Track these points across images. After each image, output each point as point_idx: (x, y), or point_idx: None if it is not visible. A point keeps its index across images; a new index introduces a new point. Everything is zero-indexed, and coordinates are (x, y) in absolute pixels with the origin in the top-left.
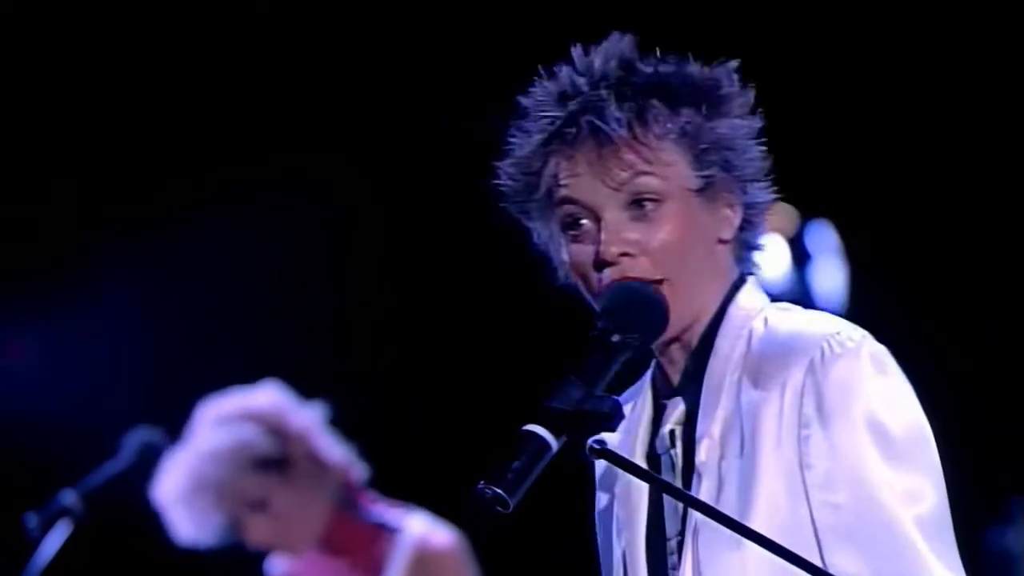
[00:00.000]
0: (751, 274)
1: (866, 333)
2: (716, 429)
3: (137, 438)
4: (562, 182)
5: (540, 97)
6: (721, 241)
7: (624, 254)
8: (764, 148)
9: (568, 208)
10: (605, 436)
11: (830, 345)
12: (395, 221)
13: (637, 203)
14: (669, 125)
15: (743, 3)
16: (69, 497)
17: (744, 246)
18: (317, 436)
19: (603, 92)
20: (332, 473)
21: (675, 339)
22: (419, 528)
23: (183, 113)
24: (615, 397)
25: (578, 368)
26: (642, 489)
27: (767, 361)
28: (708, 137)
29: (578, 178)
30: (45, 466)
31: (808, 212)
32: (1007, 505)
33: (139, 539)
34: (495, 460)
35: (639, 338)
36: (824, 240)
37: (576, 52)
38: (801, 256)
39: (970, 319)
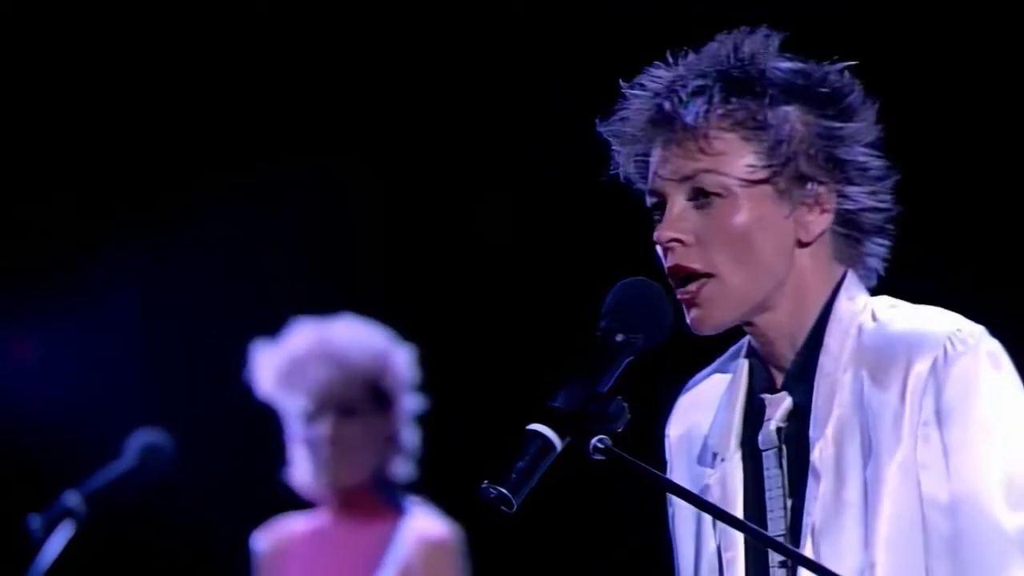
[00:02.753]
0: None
1: (983, 328)
2: (831, 428)
3: (140, 439)
4: (647, 157)
5: (648, 78)
6: (802, 243)
7: (676, 240)
8: (880, 155)
9: (648, 186)
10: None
11: (952, 343)
12: (398, 223)
13: (702, 193)
14: (743, 116)
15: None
16: (72, 498)
17: (843, 249)
18: (405, 393)
19: (692, 78)
20: (393, 439)
21: (777, 336)
22: (421, 517)
23: (184, 113)
24: (619, 397)
25: (582, 368)
26: (737, 481)
27: (886, 358)
28: (788, 133)
29: (655, 163)
30: (48, 467)
31: None
32: None
33: (142, 540)
34: (499, 459)
35: (643, 338)
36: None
37: (717, 38)
38: None
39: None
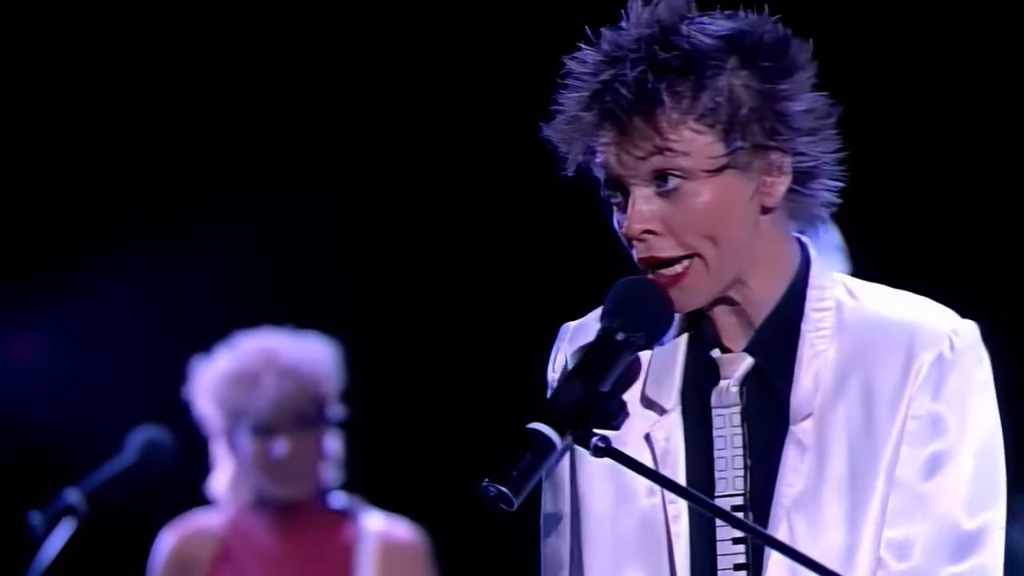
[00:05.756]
0: (807, 235)
1: (975, 325)
2: (818, 399)
3: (141, 436)
4: (597, 150)
5: (581, 61)
6: (765, 209)
7: (648, 231)
8: (819, 96)
9: (604, 176)
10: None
11: (953, 341)
12: (397, 226)
13: (662, 178)
14: (691, 104)
15: None
16: (73, 495)
17: (800, 206)
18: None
19: (628, 68)
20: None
21: (747, 304)
22: (380, 521)
23: (184, 114)
24: (620, 395)
25: (582, 366)
26: (680, 436)
27: (881, 341)
28: (738, 109)
29: (607, 149)
30: (49, 464)
31: None
32: (1011, 503)
33: (143, 537)
34: (500, 458)
35: (644, 336)
36: (827, 239)
37: (629, 6)
38: None
39: (973, 317)
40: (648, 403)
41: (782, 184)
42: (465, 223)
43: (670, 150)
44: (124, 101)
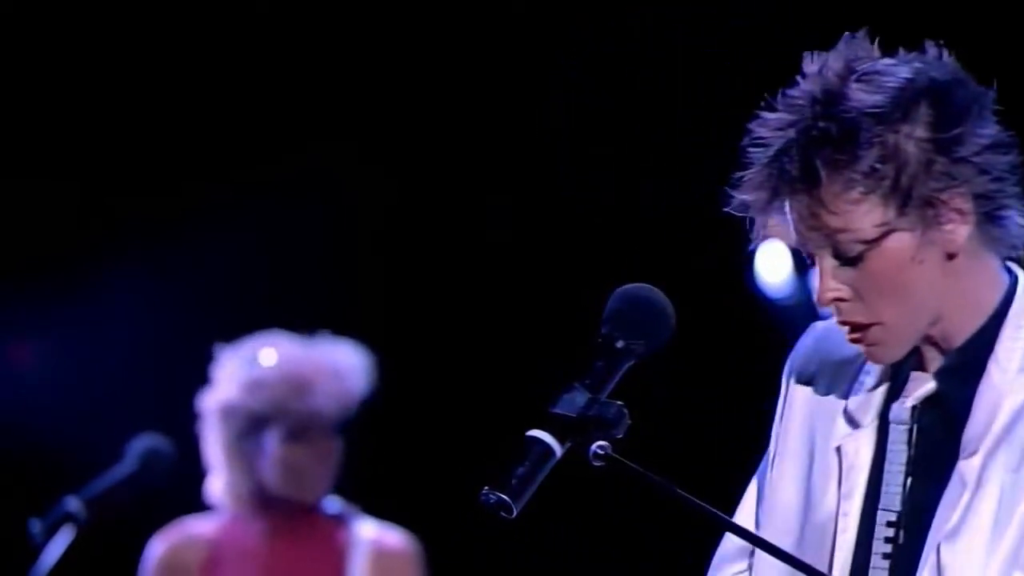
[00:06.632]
0: (1015, 260)
1: None
2: (988, 441)
3: (141, 444)
4: (781, 219)
5: (758, 128)
6: (950, 256)
7: (837, 299)
8: (997, 131)
9: (797, 243)
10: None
11: None
12: (397, 226)
13: (839, 247)
14: (850, 172)
15: None
16: (73, 503)
17: (994, 239)
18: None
19: (791, 143)
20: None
21: (944, 336)
22: (372, 527)
23: (184, 113)
24: (620, 403)
25: (583, 374)
26: (868, 450)
27: None
28: (903, 167)
29: (791, 219)
30: (49, 472)
31: None
32: None
33: (143, 545)
34: (499, 465)
35: (644, 344)
36: None
37: (804, 64)
38: (802, 263)
39: None
40: (848, 416)
41: (964, 228)
42: (465, 223)
43: (837, 223)
44: (124, 101)
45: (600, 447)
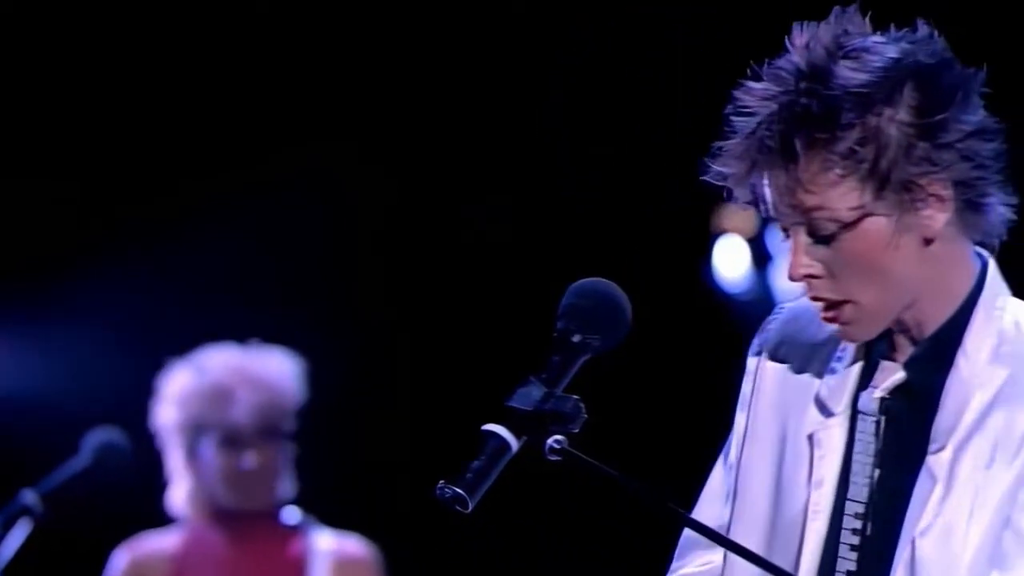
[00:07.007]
0: (991, 248)
1: None
2: (957, 435)
3: (97, 438)
4: (759, 191)
5: (741, 97)
6: (928, 240)
7: (808, 276)
8: (982, 118)
9: (772, 216)
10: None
11: None
12: (397, 226)
13: (814, 224)
14: (829, 152)
15: None
16: (29, 497)
17: (971, 225)
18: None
19: (772, 117)
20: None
21: (915, 323)
22: (330, 537)
23: (184, 113)
24: (576, 397)
25: (539, 368)
26: (841, 439)
27: None
28: (883, 150)
29: (768, 193)
30: (5, 466)
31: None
32: None
33: (99, 539)
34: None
35: (600, 339)
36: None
37: (793, 35)
38: (762, 257)
39: None
40: (820, 403)
41: (943, 214)
42: (465, 223)
43: (813, 202)
44: (124, 101)
45: (556, 441)
